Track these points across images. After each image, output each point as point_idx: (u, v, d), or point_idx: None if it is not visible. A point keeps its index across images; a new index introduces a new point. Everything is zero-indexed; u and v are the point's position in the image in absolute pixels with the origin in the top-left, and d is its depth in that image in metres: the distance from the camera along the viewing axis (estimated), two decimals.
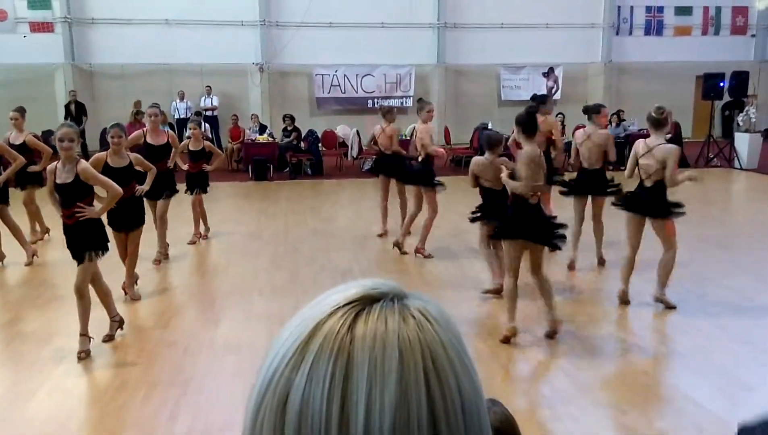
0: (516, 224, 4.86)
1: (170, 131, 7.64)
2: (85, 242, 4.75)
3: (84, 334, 4.79)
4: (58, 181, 4.68)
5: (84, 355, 4.73)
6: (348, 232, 8.41)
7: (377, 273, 6.77)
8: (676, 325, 5.34)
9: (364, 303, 0.52)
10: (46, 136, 14.07)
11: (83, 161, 4.75)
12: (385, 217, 8.18)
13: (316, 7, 16.68)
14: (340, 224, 9.04)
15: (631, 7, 18.73)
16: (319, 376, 0.49)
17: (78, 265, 4.78)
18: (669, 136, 14.59)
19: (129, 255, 5.89)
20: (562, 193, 6.89)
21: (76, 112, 15.30)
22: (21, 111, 7.47)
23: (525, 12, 17.59)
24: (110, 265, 5.58)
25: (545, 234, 4.85)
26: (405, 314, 0.52)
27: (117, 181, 4.98)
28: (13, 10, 16.02)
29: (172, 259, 7.28)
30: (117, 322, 5.16)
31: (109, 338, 5.06)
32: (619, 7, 18.63)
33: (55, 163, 4.77)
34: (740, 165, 13.81)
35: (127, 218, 5.76)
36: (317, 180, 13.17)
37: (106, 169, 5.38)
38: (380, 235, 8.14)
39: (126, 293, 5.94)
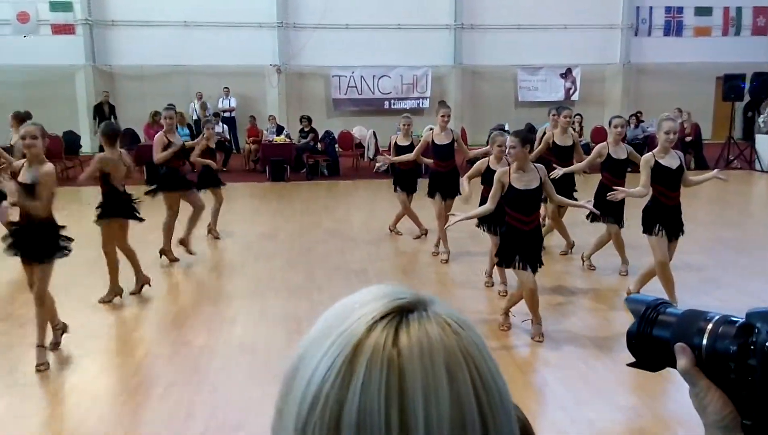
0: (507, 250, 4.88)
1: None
2: (45, 244, 4.49)
3: (41, 345, 4.53)
4: (20, 179, 4.45)
5: (43, 368, 4.47)
6: (363, 233, 8.43)
7: (391, 274, 6.77)
8: None
9: (400, 314, 0.54)
10: (67, 137, 14.28)
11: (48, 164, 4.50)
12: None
13: (333, 8, 16.74)
14: (355, 225, 9.07)
15: (650, 8, 18.57)
16: (373, 390, 0.50)
17: (39, 266, 4.53)
18: (689, 138, 14.55)
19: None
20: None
21: (109, 112, 15.51)
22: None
23: (542, 13, 17.51)
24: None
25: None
26: (441, 323, 0.54)
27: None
28: (36, 12, 16.27)
29: (187, 259, 7.34)
30: (60, 330, 4.87)
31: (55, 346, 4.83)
32: (638, 7, 18.47)
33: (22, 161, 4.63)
34: (761, 167, 13.63)
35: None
36: (333, 181, 13.22)
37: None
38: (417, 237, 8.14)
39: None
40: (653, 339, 0.81)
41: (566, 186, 6.68)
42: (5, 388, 4.33)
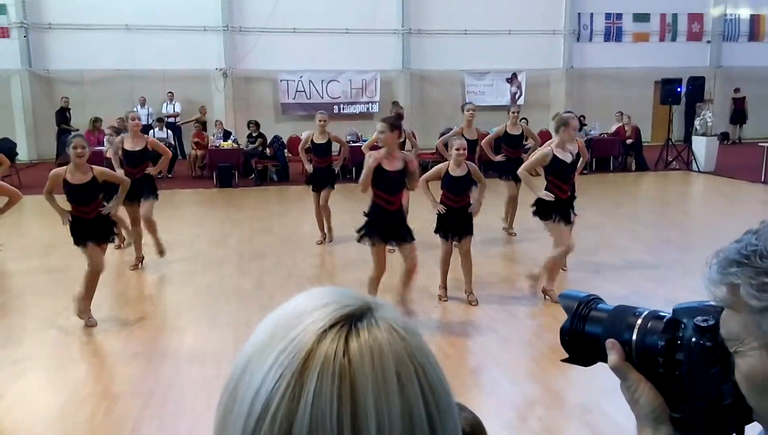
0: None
1: (150, 137, 7.64)
2: None
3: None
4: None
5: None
6: (314, 239, 8.35)
7: (343, 279, 6.73)
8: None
9: (349, 322, 0.53)
10: (3, 144, 13.67)
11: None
12: None
13: (279, 12, 16.60)
14: (307, 230, 8.97)
15: (591, 14, 19.11)
16: (325, 401, 0.50)
17: None
18: (630, 141, 14.99)
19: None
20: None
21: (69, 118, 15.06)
22: None
23: (488, 19, 17.79)
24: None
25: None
26: (389, 329, 0.54)
27: (79, 196, 5.24)
28: None
29: (131, 269, 7.13)
30: None
31: None
32: (579, 14, 18.99)
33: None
34: (698, 168, 14.17)
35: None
36: (283, 186, 13.08)
37: (66, 186, 5.30)
38: None
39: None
40: (585, 335, 0.82)
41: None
42: None
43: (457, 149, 5.72)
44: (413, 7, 17.77)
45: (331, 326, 0.52)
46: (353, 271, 7.02)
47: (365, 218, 5.29)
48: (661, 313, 0.79)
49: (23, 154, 15.36)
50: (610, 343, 0.79)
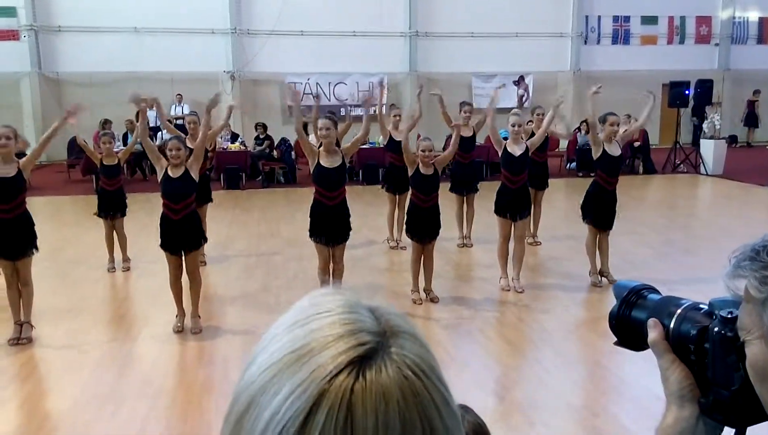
0: None
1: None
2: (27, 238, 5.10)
3: (28, 322, 5.19)
4: None
5: (26, 341, 5.11)
6: None
7: (349, 280, 6.74)
8: None
9: (360, 363, 0.53)
10: None
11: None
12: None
13: (287, 15, 16.66)
14: None
15: (599, 17, 19.08)
16: None
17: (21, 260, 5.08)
18: (638, 143, 14.95)
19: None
20: None
21: None
22: None
23: (495, 22, 17.80)
24: None
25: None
26: (395, 369, 0.53)
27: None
28: None
29: (138, 270, 7.17)
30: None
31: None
32: (586, 17, 18.96)
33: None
34: (706, 171, 14.12)
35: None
36: (290, 188, 13.12)
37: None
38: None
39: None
40: (630, 320, 0.89)
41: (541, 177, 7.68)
42: None
43: (423, 150, 5.79)
44: (421, 10, 17.79)
45: (344, 367, 0.52)
46: (359, 272, 7.04)
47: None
48: (701, 305, 0.85)
49: None
50: (652, 321, 0.86)
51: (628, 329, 0.91)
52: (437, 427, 0.54)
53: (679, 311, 0.85)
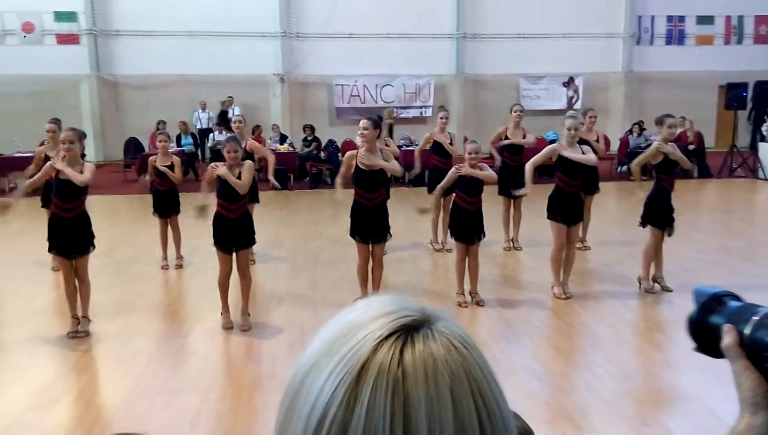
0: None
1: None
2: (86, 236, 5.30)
3: (85, 316, 5.37)
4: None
5: (84, 334, 5.27)
6: None
7: (394, 282, 6.76)
8: None
9: (406, 333, 0.53)
10: None
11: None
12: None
13: (336, 18, 16.81)
14: None
15: (652, 17, 18.62)
16: (378, 414, 0.50)
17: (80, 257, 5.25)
18: (692, 147, 14.53)
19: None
20: None
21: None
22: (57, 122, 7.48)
23: (544, 22, 17.57)
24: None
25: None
26: (446, 343, 0.53)
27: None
28: (41, 22, 16.37)
29: (191, 267, 7.35)
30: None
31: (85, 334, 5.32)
32: (639, 16, 18.53)
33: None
34: (764, 175, 13.62)
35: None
36: None
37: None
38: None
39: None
40: (708, 326, 0.89)
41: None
42: None
43: (470, 153, 5.79)
44: (468, 12, 17.71)
45: (388, 336, 0.53)
46: (405, 274, 7.06)
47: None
48: None
49: (90, 156, 16.00)
50: (727, 326, 0.85)
51: (705, 335, 0.91)
52: (485, 391, 0.53)
53: (756, 318, 0.84)
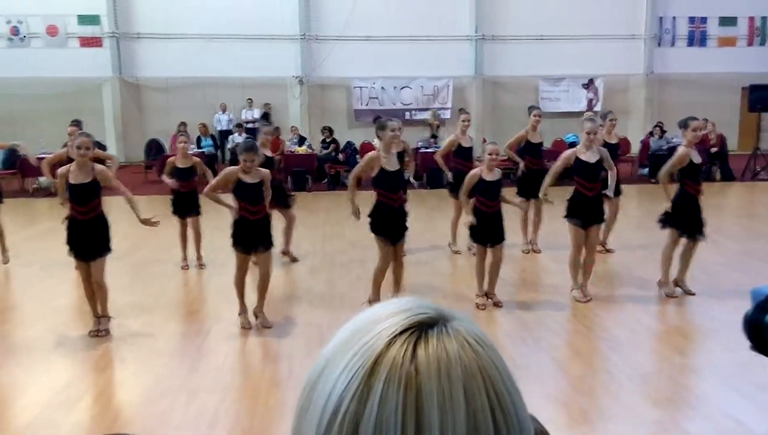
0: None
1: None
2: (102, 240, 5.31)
3: (105, 315, 5.40)
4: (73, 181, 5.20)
5: (104, 333, 5.32)
6: None
7: (412, 283, 6.76)
8: (720, 342, 5.20)
9: (420, 329, 0.53)
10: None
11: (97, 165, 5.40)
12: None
13: (354, 20, 16.87)
14: None
15: (674, 18, 18.43)
16: (390, 407, 0.50)
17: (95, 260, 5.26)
18: (714, 149, 14.35)
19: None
20: None
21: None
22: (78, 124, 7.63)
23: (564, 24, 17.47)
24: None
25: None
26: (461, 340, 0.53)
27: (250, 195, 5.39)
28: (64, 25, 16.62)
29: (210, 268, 7.41)
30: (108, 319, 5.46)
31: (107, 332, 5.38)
32: (660, 17, 18.35)
33: (68, 166, 5.32)
34: None
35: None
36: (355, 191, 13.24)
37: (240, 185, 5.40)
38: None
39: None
40: (764, 325, 0.89)
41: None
42: None
43: (490, 154, 5.76)
44: (487, 13, 17.66)
45: (402, 332, 0.53)
46: (422, 276, 7.06)
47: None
48: None
49: None
50: None
51: (761, 334, 0.90)
52: (500, 390, 0.53)
53: None
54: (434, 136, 14.81)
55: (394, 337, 0.53)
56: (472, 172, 5.94)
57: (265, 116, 15.90)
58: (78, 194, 5.22)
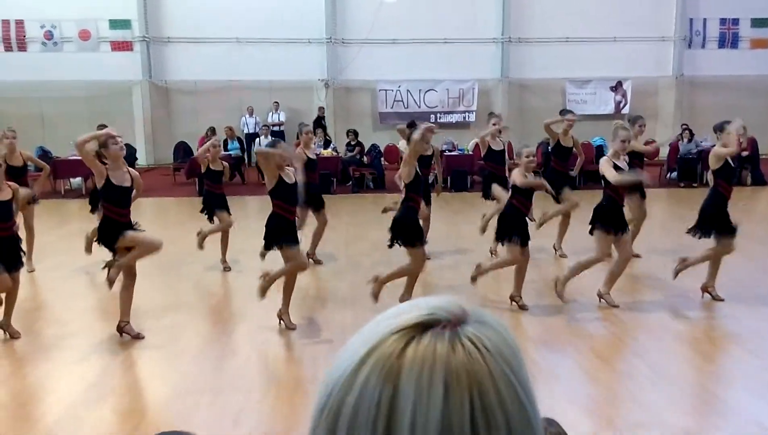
0: None
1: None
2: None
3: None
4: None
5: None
6: None
7: (434, 285, 6.75)
8: (749, 349, 5.10)
9: (417, 329, 0.53)
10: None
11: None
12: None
13: (380, 23, 16.90)
14: None
15: (704, 20, 18.11)
16: (367, 401, 0.51)
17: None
18: (746, 153, 14.09)
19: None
20: None
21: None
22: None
23: (591, 25, 17.28)
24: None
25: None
26: (455, 342, 0.52)
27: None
28: (96, 29, 16.95)
29: (236, 268, 7.48)
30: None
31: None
32: (691, 19, 18.05)
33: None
34: None
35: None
36: (379, 194, 13.27)
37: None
38: None
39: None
40: None
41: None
42: None
43: (527, 156, 5.75)
44: (513, 15, 17.55)
45: (400, 330, 0.53)
46: (445, 277, 7.04)
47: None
48: None
49: (142, 160, 16.55)
50: None
51: None
52: (490, 401, 0.50)
53: None
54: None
55: (391, 334, 0.53)
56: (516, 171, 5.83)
57: (318, 121, 15.89)
58: (122, 197, 5.33)
